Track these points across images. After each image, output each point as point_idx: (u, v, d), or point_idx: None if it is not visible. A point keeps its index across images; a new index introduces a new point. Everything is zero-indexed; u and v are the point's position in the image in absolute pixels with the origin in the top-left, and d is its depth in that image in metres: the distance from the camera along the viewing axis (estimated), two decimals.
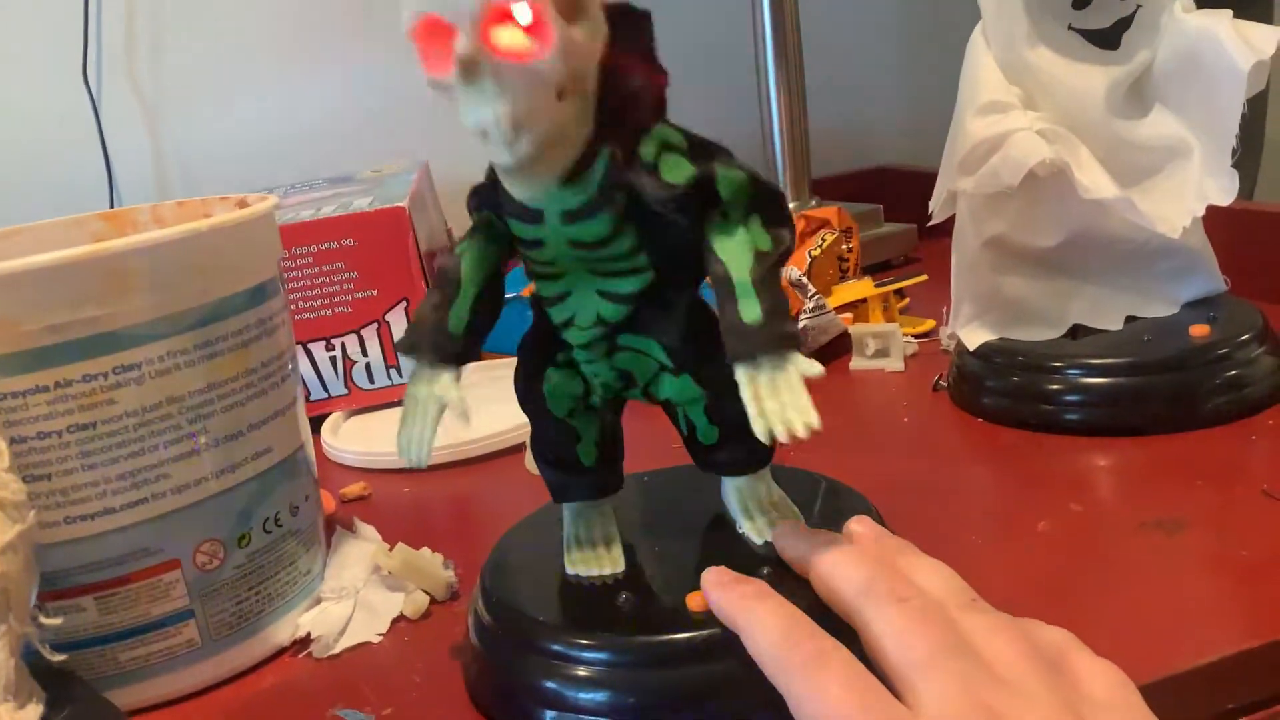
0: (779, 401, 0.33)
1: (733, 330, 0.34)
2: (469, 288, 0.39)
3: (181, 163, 0.98)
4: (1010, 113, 0.57)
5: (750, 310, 0.34)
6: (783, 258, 0.36)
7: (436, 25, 0.31)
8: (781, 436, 0.33)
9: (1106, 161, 0.57)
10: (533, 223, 0.36)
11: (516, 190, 0.35)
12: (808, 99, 0.99)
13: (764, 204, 0.36)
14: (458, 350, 0.39)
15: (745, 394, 0.34)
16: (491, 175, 0.37)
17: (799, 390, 0.33)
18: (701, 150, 0.36)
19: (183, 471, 0.42)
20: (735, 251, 0.35)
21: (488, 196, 0.37)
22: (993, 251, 0.61)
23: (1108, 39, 0.57)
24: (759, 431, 0.33)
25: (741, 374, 0.34)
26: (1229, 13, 0.56)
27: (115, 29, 0.95)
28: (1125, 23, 0.57)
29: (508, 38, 0.31)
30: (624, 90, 0.34)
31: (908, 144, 1.19)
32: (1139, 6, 0.57)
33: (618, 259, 0.36)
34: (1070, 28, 0.57)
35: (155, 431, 0.41)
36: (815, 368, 0.34)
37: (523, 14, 0.31)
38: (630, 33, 0.34)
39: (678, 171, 0.35)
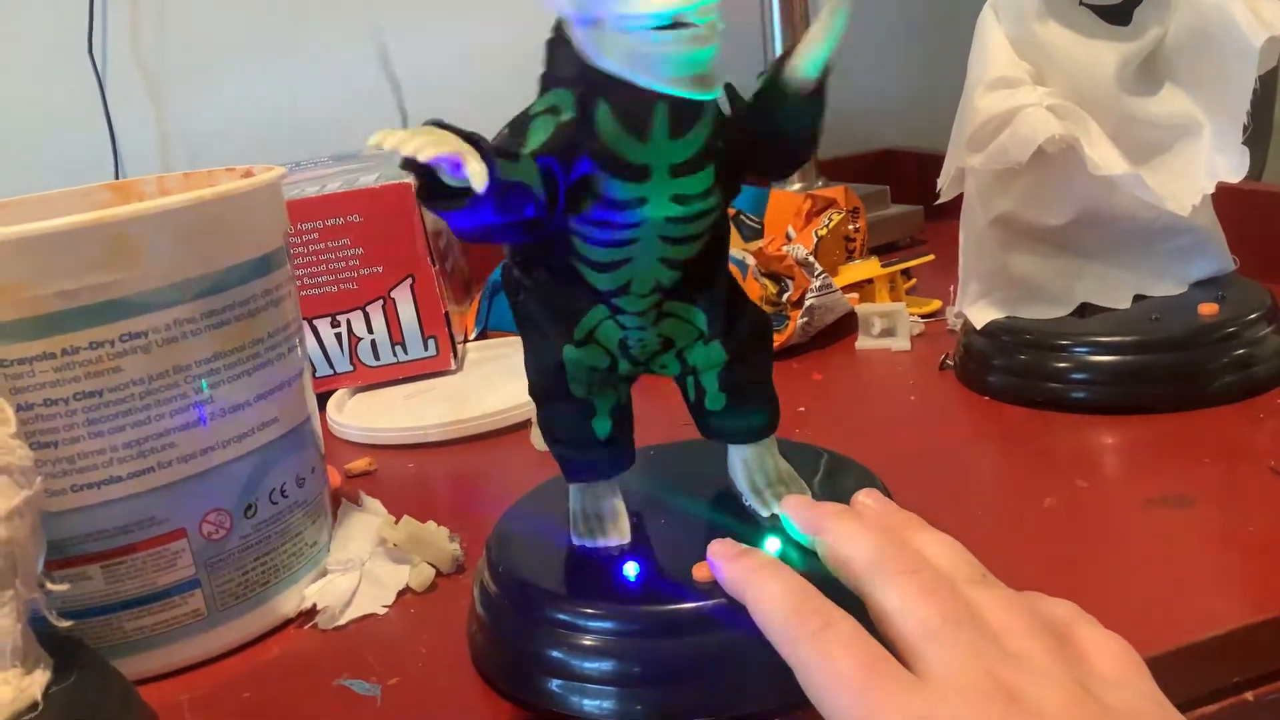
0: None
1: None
2: (520, 171, 0.33)
3: (186, 139, 0.98)
4: (1020, 88, 0.57)
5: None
6: None
7: None
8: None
9: (1116, 138, 0.56)
10: (639, 180, 0.35)
11: (685, 85, 0.32)
12: None
13: None
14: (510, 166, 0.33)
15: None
16: (567, 137, 0.34)
17: None
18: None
19: (189, 440, 0.42)
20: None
21: (564, 153, 0.34)
22: (1001, 229, 0.61)
23: (1119, 15, 0.57)
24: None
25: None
26: None
27: (120, 4, 0.95)
28: None
29: None
30: None
31: (915, 127, 1.18)
32: None
33: (700, 217, 0.36)
34: (1081, 3, 0.57)
35: (162, 400, 0.41)
36: None
37: None
38: None
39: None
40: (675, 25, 0.30)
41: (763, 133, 0.37)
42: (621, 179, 0.34)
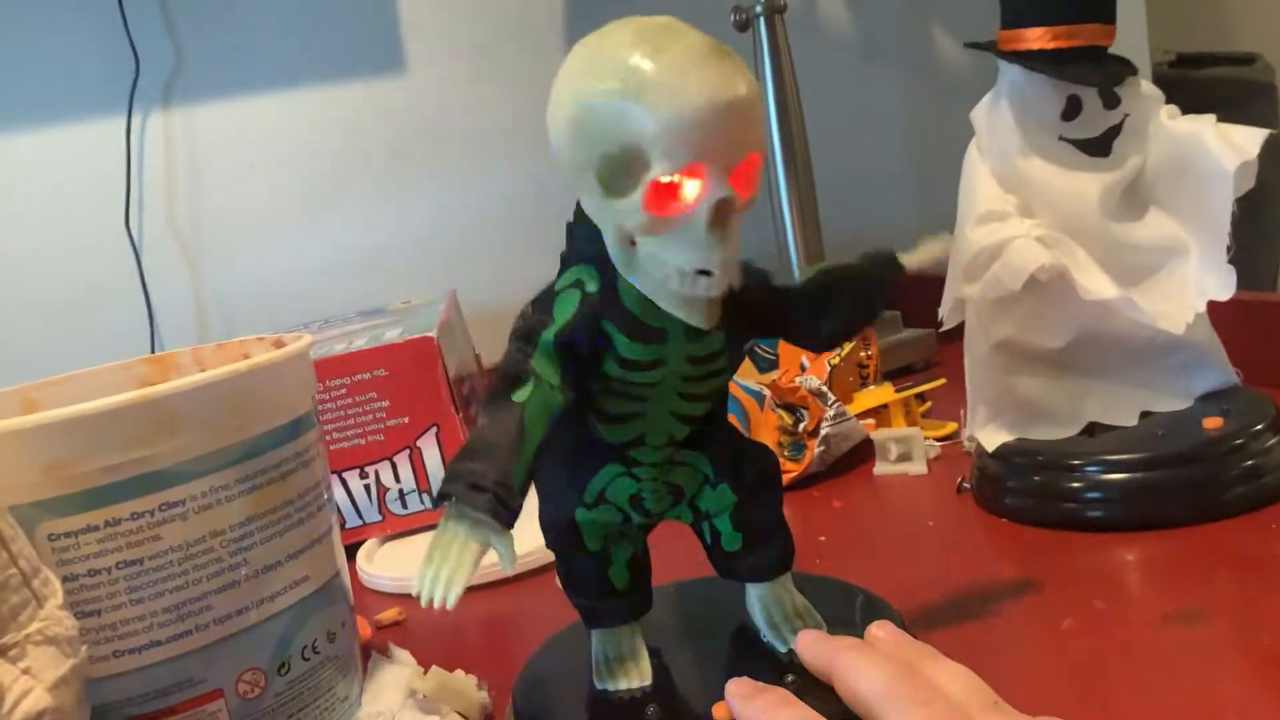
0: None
1: (863, 272, 0.43)
2: (531, 440, 0.36)
3: (221, 303, 1.02)
4: (1008, 221, 0.59)
5: (857, 264, 0.43)
6: None
7: (694, 170, 0.34)
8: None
9: (1106, 263, 0.59)
10: (658, 342, 0.38)
11: (696, 319, 0.37)
12: (820, 211, 1.02)
13: None
14: (515, 505, 0.36)
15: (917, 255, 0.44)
16: (591, 308, 0.37)
17: None
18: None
19: (225, 602, 0.44)
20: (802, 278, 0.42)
21: (589, 329, 0.37)
22: (1003, 354, 0.63)
23: (1098, 147, 0.60)
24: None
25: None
26: (1213, 117, 0.58)
27: (155, 179, 1.00)
28: (1114, 131, 0.60)
29: (746, 205, 0.35)
30: None
31: None
32: (1126, 115, 0.60)
33: (714, 375, 0.40)
34: (1061, 138, 0.60)
35: (199, 565, 0.43)
36: None
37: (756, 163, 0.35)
38: None
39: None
40: (699, 274, 0.35)
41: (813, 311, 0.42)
42: (642, 342, 0.37)
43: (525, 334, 0.37)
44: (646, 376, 0.38)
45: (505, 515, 0.35)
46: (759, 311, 0.40)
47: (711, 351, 0.39)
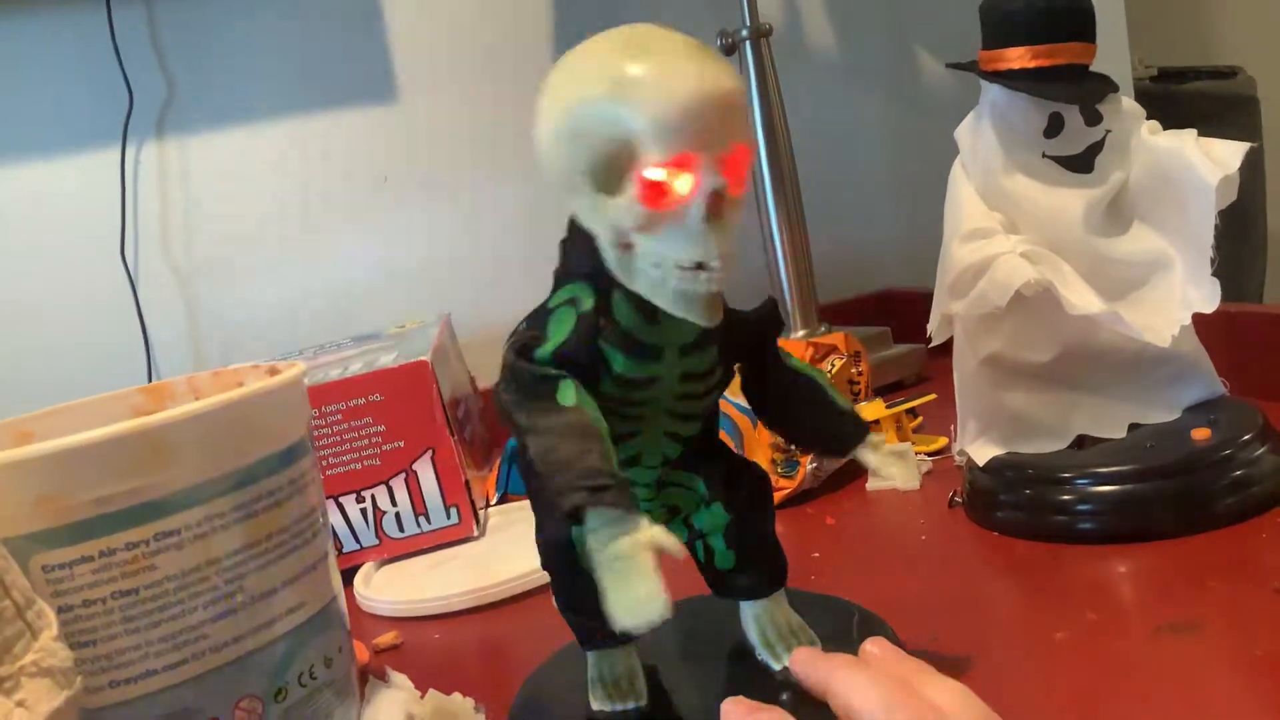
0: (903, 463, 0.46)
1: (842, 414, 0.46)
2: (605, 429, 0.37)
3: (217, 330, 1.02)
4: (994, 238, 0.60)
5: (842, 400, 0.46)
6: None
7: (685, 161, 0.34)
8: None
9: (1091, 277, 0.59)
10: (654, 360, 0.38)
11: (697, 315, 0.36)
12: (808, 230, 1.03)
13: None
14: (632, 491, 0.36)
15: (874, 459, 0.46)
16: (588, 326, 0.37)
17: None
18: None
19: (220, 630, 0.44)
20: (798, 362, 0.45)
21: (585, 347, 0.37)
22: (991, 369, 0.63)
23: (1081, 163, 0.61)
24: (901, 477, 0.46)
25: (866, 448, 0.46)
26: (1193, 132, 0.59)
27: (150, 209, 1.01)
28: (1096, 147, 0.61)
29: (737, 199, 0.36)
30: None
31: (912, 265, 1.22)
32: (1108, 132, 0.60)
33: (708, 392, 0.40)
34: (1044, 155, 0.61)
35: (194, 594, 0.43)
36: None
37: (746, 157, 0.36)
38: None
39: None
40: (697, 267, 0.35)
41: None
42: (637, 359, 0.38)
43: (520, 348, 0.38)
44: (643, 394, 0.39)
45: (633, 502, 0.36)
46: (752, 347, 0.42)
47: (706, 368, 0.40)
